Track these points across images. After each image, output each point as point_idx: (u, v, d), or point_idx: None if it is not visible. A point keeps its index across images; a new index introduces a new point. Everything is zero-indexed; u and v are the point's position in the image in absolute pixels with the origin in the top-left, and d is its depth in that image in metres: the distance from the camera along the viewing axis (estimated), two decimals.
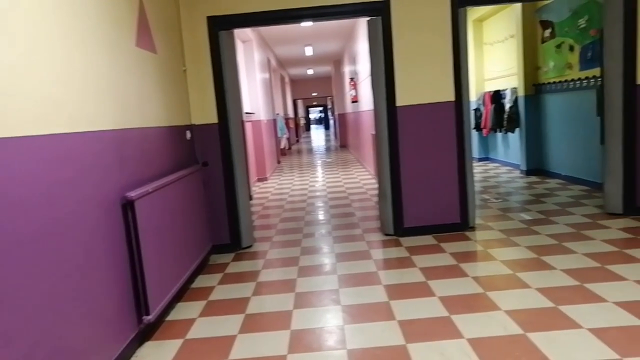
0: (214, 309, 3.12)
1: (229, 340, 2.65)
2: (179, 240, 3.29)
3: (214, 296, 3.34)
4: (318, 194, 7.20)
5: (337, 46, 12.81)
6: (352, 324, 2.73)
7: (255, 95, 9.01)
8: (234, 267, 3.95)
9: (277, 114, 13.19)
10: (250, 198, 7.13)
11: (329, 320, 2.80)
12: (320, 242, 4.50)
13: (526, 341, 2.36)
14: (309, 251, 4.22)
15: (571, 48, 6.14)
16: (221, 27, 4.25)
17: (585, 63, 5.87)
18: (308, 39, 11.26)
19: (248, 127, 8.27)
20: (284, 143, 14.34)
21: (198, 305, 3.19)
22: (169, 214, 3.11)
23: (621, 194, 4.46)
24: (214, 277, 3.75)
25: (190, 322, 2.94)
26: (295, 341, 2.57)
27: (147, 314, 2.65)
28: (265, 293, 3.32)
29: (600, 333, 2.37)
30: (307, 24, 9.21)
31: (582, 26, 5.85)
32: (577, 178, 6.24)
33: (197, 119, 4.30)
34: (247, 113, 8.20)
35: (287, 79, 19.09)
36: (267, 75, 10.68)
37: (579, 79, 5.99)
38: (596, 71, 5.61)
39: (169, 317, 3.03)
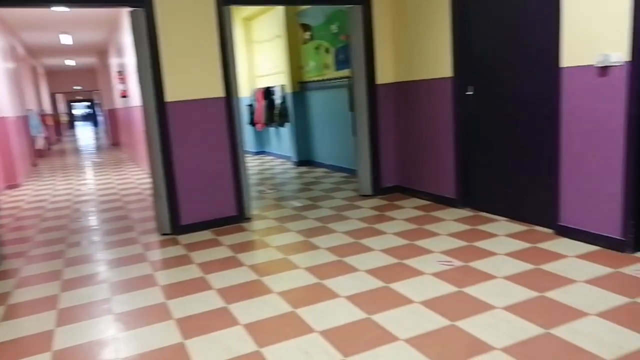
0: None
1: None
2: None
3: None
4: (87, 198, 6.54)
5: (101, 36, 11.74)
6: (126, 331, 2.58)
7: None
8: None
9: (30, 110, 11.45)
10: None
11: (100, 332, 2.59)
12: (89, 250, 4.10)
13: (295, 317, 2.59)
14: (75, 262, 3.81)
15: (327, 50, 6.87)
16: None
17: (338, 64, 6.65)
18: (64, 26, 10.03)
19: None
20: (40, 143, 12.54)
21: None
22: None
23: (370, 178, 5.21)
24: None
25: None
26: None
27: None
28: (18, 316, 2.88)
29: (353, 298, 2.75)
30: (60, 10, 8.20)
31: (334, 31, 6.60)
32: (339, 166, 7.06)
33: None
34: None
35: (40, 70, 16.71)
36: (12, 65, 9.17)
37: (335, 78, 6.75)
38: (347, 71, 6.40)
39: None
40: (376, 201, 5.01)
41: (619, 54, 2.94)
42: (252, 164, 8.44)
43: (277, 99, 8.19)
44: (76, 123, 38.02)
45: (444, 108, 4.47)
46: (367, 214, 4.52)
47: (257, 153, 9.78)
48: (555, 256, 3.13)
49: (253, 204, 5.32)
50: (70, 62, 17.09)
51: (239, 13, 9.04)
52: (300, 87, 7.83)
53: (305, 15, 7.32)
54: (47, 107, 17.66)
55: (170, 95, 4.22)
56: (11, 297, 3.19)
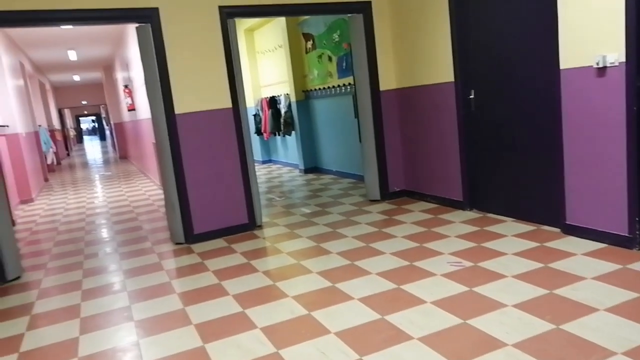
0: None
1: None
2: None
3: None
4: (99, 210, 6.65)
5: (106, 51, 11.94)
6: (147, 337, 2.66)
7: (7, 106, 7.80)
8: None
9: (40, 125, 11.63)
10: (13, 223, 6.18)
11: (122, 339, 2.67)
12: (106, 261, 4.20)
13: (311, 319, 2.66)
14: (93, 272, 3.91)
15: (330, 58, 6.98)
16: None
17: (341, 72, 6.74)
18: (70, 43, 10.22)
19: (1, 143, 7.13)
20: (50, 158, 12.71)
21: None
22: None
23: (377, 183, 5.28)
24: None
25: None
26: None
27: None
28: (43, 325, 2.97)
29: (366, 300, 2.82)
30: (66, 27, 8.37)
31: (336, 40, 6.71)
32: (346, 172, 7.14)
33: None
34: None
35: (48, 86, 16.95)
36: (21, 82, 9.34)
37: (339, 85, 6.85)
38: (351, 79, 6.49)
39: None
40: (384, 206, 5.08)
41: (615, 54, 3.02)
42: (261, 173, 8.54)
43: (283, 108, 8.29)
44: (84, 137, 38.39)
45: (448, 112, 4.54)
46: (376, 219, 4.60)
47: (265, 162, 9.88)
48: (563, 254, 3.19)
49: (263, 211, 5.41)
50: (76, 77, 17.32)
51: (242, 25, 9.18)
52: (305, 96, 7.94)
53: (306, 24, 7.44)
54: (56, 122, 17.88)
55: (179, 108, 4.32)
56: (34, 307, 3.29)
